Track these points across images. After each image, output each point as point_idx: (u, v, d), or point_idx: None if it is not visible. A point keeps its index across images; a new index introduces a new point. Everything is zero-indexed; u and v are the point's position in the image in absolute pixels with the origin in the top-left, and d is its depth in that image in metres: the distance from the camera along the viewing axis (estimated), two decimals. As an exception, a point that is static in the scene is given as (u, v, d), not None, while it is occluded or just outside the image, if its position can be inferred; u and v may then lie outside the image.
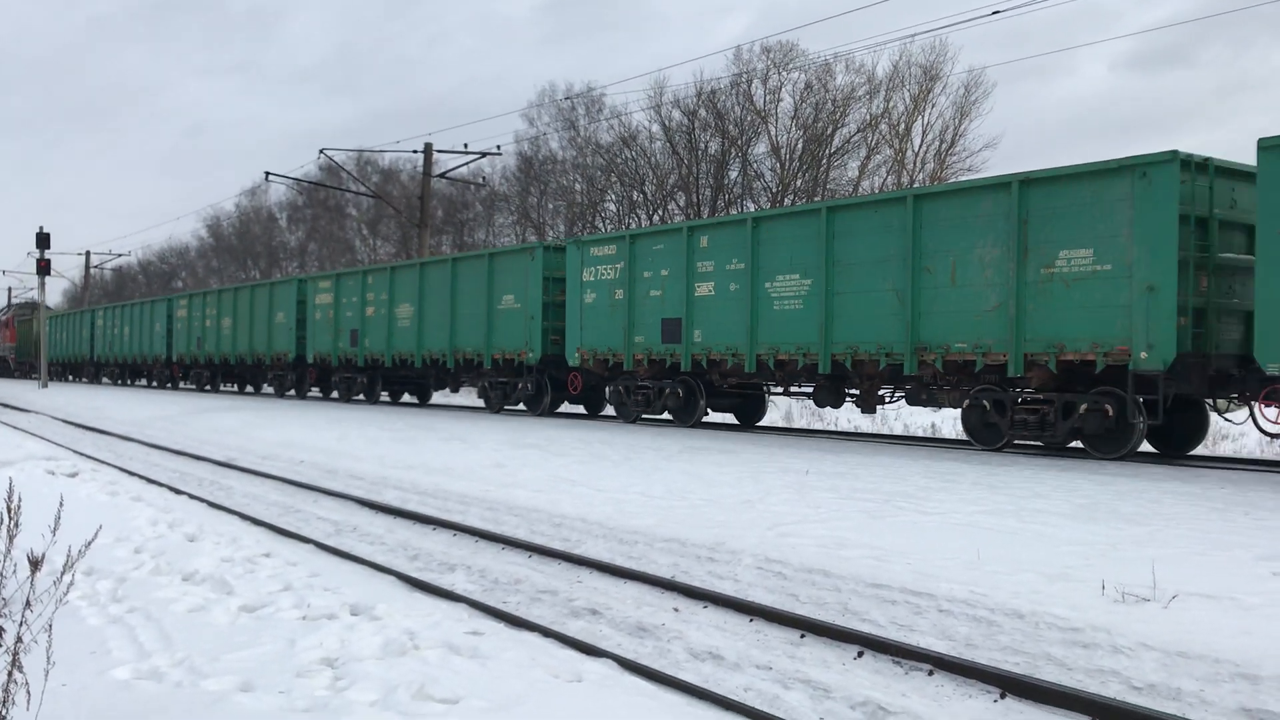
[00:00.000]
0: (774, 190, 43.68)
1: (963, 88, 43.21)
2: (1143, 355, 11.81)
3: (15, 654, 3.93)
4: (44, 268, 43.97)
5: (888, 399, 15.89)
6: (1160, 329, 11.69)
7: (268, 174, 38.50)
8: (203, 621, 6.17)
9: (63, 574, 4.33)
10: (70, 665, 5.05)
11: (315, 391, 32.79)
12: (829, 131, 43.55)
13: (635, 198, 47.12)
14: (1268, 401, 11.39)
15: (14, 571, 4.48)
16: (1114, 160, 12.19)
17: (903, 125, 44.00)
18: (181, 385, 41.00)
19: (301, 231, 71.15)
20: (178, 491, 13.30)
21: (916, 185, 15.52)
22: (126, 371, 46.24)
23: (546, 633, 6.53)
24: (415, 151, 36.02)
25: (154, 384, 43.27)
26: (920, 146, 44.39)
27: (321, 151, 34.69)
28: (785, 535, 8.56)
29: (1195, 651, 5.34)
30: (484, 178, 48.17)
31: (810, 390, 16.91)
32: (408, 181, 55.82)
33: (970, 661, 5.63)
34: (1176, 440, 13.73)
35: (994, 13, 20.25)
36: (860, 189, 42.71)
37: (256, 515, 11.42)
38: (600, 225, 46.92)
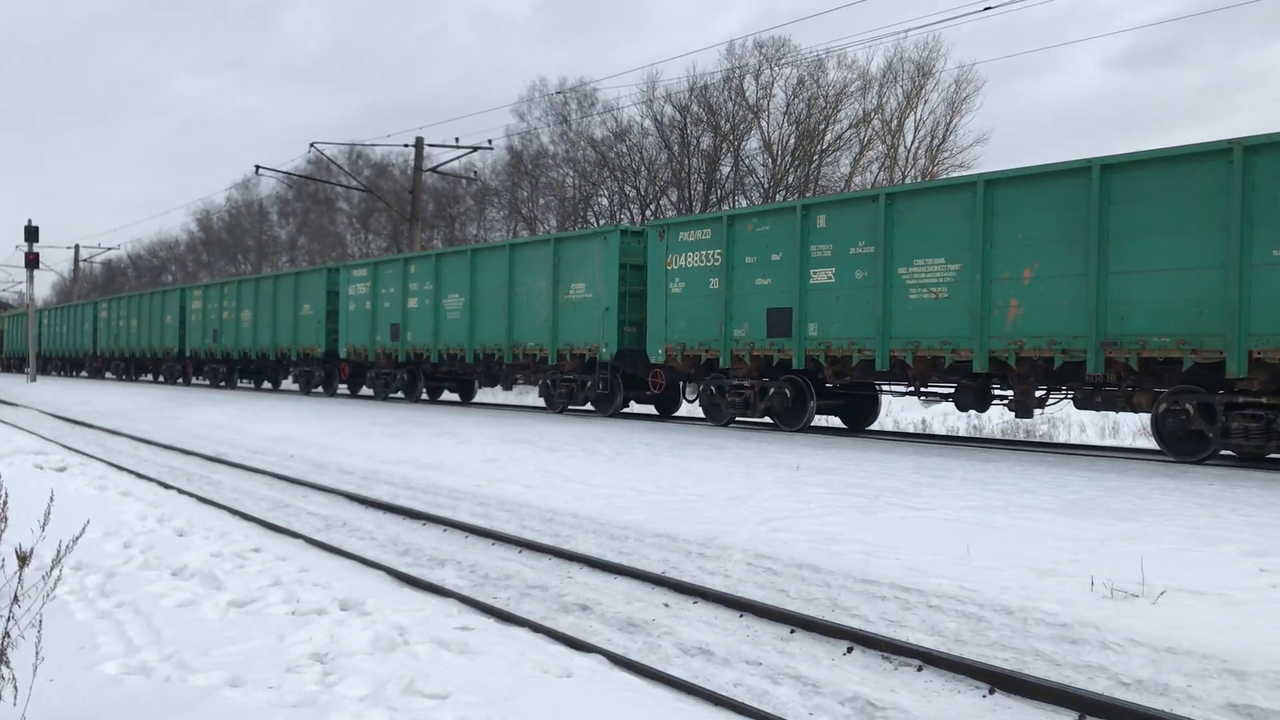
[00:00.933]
0: (765, 186, 43.71)
1: (954, 84, 43.34)
2: None
3: (3, 649, 3.92)
4: (33, 261, 43.80)
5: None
6: None
7: (258, 168, 38.38)
8: (192, 616, 6.16)
9: (51, 569, 4.32)
10: (58, 660, 5.04)
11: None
12: (821, 127, 43.59)
13: (628, 193, 47.10)
14: None
15: (1, 566, 4.47)
16: None
17: (895, 121, 44.07)
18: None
19: (292, 225, 70.99)
20: (167, 486, 13.26)
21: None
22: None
23: (536, 628, 6.53)
24: (406, 146, 35.95)
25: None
26: (912, 142, 44.49)
27: (312, 145, 34.55)
28: (776, 530, 8.57)
29: (1183, 647, 5.36)
30: (475, 172, 48.12)
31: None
32: (399, 176, 55.73)
33: (959, 657, 5.64)
34: None
35: (986, 8, 20.25)
36: (851, 185, 42.75)
37: (246, 510, 11.39)
38: (592, 220, 46.89)
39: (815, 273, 15.55)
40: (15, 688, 3.98)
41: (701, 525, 8.95)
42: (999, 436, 18.69)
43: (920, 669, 5.65)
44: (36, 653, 4.18)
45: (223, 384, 36.00)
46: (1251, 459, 12.31)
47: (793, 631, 6.40)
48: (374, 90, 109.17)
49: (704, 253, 17.43)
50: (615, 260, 19.11)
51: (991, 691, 5.30)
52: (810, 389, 16.21)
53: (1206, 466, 11.77)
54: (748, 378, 17.03)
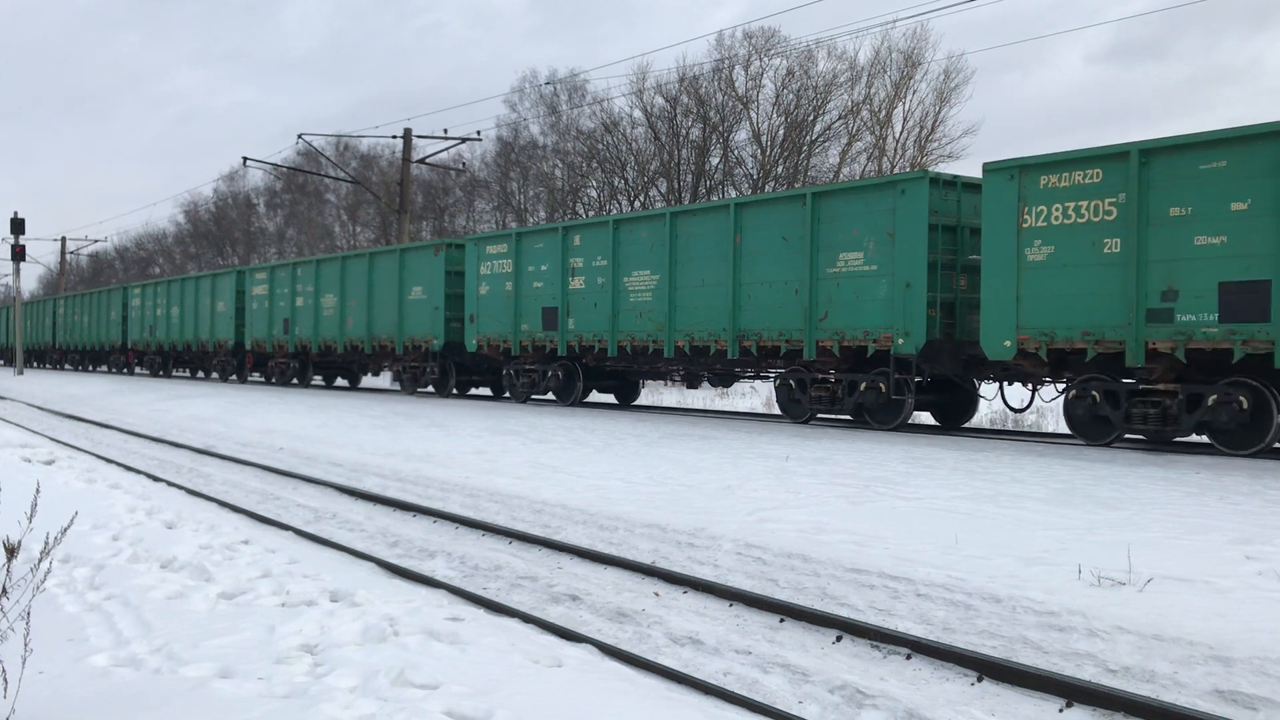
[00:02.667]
0: (755, 177, 43.69)
1: (943, 74, 43.35)
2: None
3: (-9, 642, 3.91)
4: (19, 253, 43.54)
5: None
6: None
7: (245, 159, 38.20)
8: (181, 608, 6.15)
9: (40, 561, 4.30)
10: (48, 653, 5.03)
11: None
12: (810, 118, 43.57)
13: (617, 184, 47.05)
14: None
15: (-11, 559, 4.46)
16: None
17: (884, 112, 44.07)
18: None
19: (280, 217, 70.72)
20: (156, 479, 13.23)
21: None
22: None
23: (527, 618, 6.54)
24: (395, 137, 35.82)
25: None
26: (901, 133, 44.51)
27: (300, 136, 34.40)
28: (765, 520, 8.59)
29: (1170, 634, 5.39)
30: (464, 163, 47.98)
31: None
32: (387, 167, 55.55)
33: (948, 645, 5.67)
34: None
35: (973, -1, 20.24)
36: (841, 175, 42.75)
37: (235, 502, 11.38)
38: (581, 211, 46.83)
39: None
40: (4, 680, 3.97)
41: (691, 515, 8.97)
42: (988, 426, 18.75)
43: (909, 657, 5.68)
44: (25, 645, 4.17)
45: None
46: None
47: (782, 620, 6.42)
48: (368, 84, 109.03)
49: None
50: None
51: (980, 679, 5.32)
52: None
53: (1193, 455, 11.83)
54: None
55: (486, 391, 27.12)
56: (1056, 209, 12.69)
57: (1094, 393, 12.53)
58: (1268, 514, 8.02)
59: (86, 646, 5.33)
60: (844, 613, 6.40)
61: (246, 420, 19.89)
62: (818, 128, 43.91)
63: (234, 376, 34.30)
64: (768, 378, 18.61)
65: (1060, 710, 4.94)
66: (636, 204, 45.14)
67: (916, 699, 5.12)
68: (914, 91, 44.00)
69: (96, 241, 72.45)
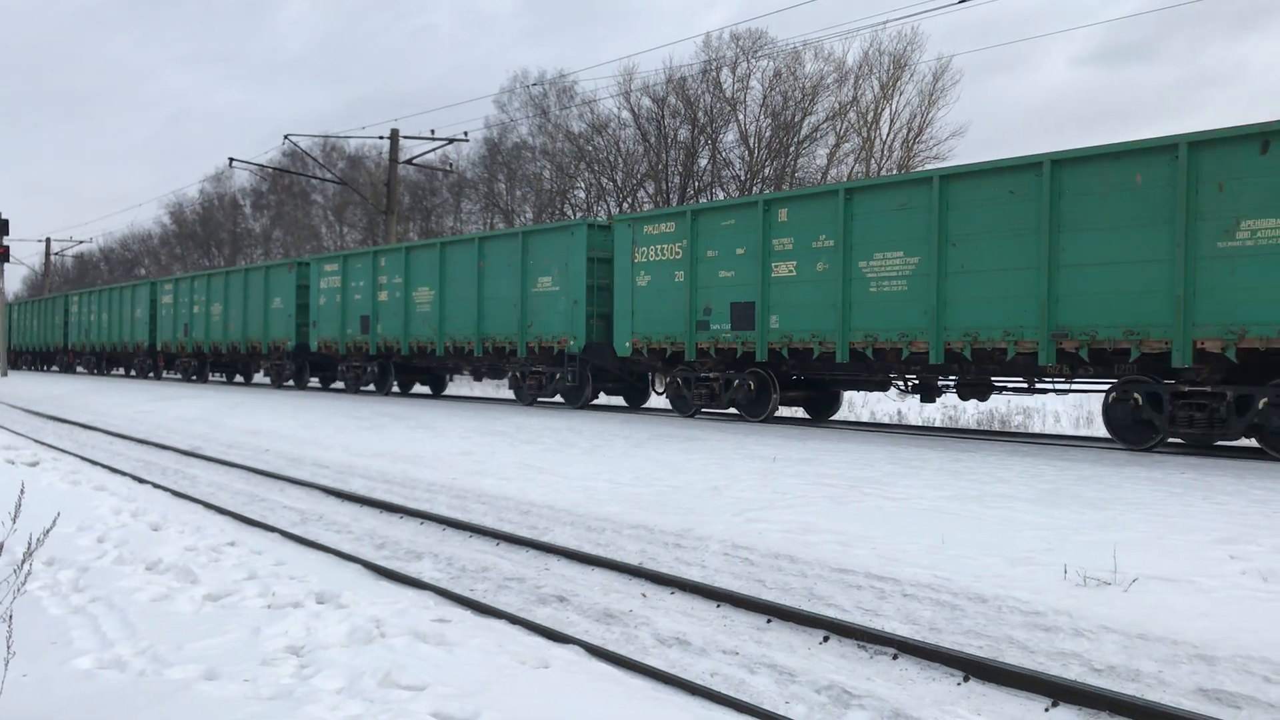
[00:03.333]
0: (742, 179, 43.73)
1: (931, 75, 43.48)
2: None
3: (-26, 644, 3.89)
4: (3, 254, 43.30)
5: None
6: None
7: (231, 160, 38.08)
8: (166, 611, 6.12)
9: (22, 563, 4.28)
10: (31, 655, 5.00)
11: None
12: (798, 119, 43.63)
13: (605, 185, 47.04)
14: None
15: (-28, 561, 4.43)
16: None
17: (871, 114, 44.18)
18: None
19: (266, 218, 70.51)
20: (141, 480, 13.17)
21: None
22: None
23: (514, 620, 6.54)
24: (382, 138, 35.77)
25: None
26: (888, 135, 44.62)
27: (286, 137, 34.30)
28: (752, 521, 8.60)
29: (1155, 634, 5.42)
30: (451, 164, 47.92)
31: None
32: (374, 168, 55.43)
33: (934, 645, 5.68)
34: None
35: (960, 0, 20.31)
36: (829, 177, 42.83)
37: (221, 504, 11.34)
38: (569, 212, 46.80)
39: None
40: (-13, 683, 3.95)
41: (679, 516, 8.97)
42: (974, 427, 18.80)
43: (895, 657, 5.69)
44: (8, 647, 4.15)
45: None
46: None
47: (769, 621, 6.42)
48: (360, 86, 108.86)
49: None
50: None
51: (966, 679, 5.34)
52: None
53: (1179, 456, 11.89)
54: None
55: (335, 384, 30.93)
56: (653, 249, 17.87)
57: (678, 379, 17.86)
58: (1251, 514, 8.06)
59: (71, 649, 5.30)
60: (831, 613, 6.41)
61: (234, 422, 19.82)
62: (805, 129, 44.00)
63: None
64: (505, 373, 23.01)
65: (1046, 710, 4.96)
66: (625, 205, 45.14)
67: (903, 699, 5.13)
68: (901, 93, 44.16)
69: (82, 243, 72.15)
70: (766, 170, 43.68)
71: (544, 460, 12.59)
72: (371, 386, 26.86)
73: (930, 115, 43.96)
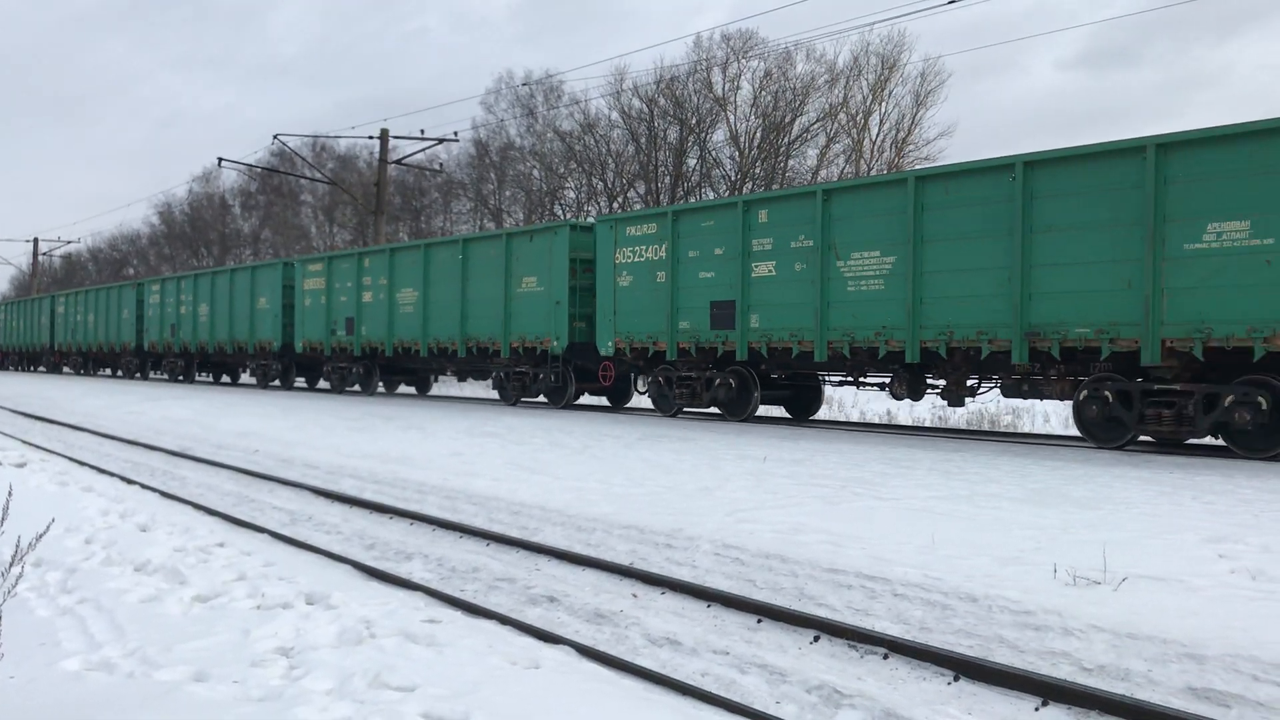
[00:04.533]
0: (732, 179, 43.76)
1: (919, 76, 43.58)
2: None
3: (-39, 646, 3.86)
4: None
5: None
6: None
7: (220, 160, 37.98)
8: (155, 612, 6.10)
9: (11, 565, 4.26)
10: (19, 657, 4.97)
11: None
12: (788, 120, 43.68)
13: (595, 185, 47.02)
14: None
15: (-41, 562, 4.40)
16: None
17: (861, 115, 44.25)
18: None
19: (255, 218, 70.31)
20: (129, 481, 13.12)
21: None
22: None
23: (504, 620, 6.52)
24: (371, 138, 35.71)
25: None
26: (878, 135, 44.70)
27: (275, 137, 34.22)
28: (743, 521, 8.60)
29: (1144, 633, 5.43)
30: (441, 164, 47.85)
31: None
32: (364, 169, 55.33)
33: (925, 645, 5.69)
34: None
35: (950, 1, 20.36)
36: (819, 177, 42.89)
37: (210, 505, 11.30)
38: (559, 212, 46.78)
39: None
40: (-26, 685, 3.93)
41: (669, 517, 8.97)
42: (964, 427, 18.84)
43: (886, 657, 5.70)
44: (-4, 649, 4.13)
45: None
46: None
47: (760, 621, 6.42)
48: (352, 88, 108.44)
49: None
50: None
51: (956, 678, 5.35)
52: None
53: (1167, 455, 11.93)
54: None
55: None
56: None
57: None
58: (1239, 513, 8.10)
59: (59, 651, 5.28)
60: (821, 613, 6.41)
61: (223, 423, 19.76)
62: (795, 130, 44.05)
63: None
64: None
65: (1036, 709, 4.97)
66: (615, 205, 45.11)
67: (894, 698, 5.14)
68: (890, 94, 44.24)
69: (70, 243, 71.86)
70: (757, 170, 43.72)
71: (535, 461, 12.58)
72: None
73: (919, 116, 44.11)
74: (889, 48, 43.21)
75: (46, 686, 4.70)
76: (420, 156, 39.12)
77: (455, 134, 35.50)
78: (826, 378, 17.28)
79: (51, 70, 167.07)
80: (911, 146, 44.20)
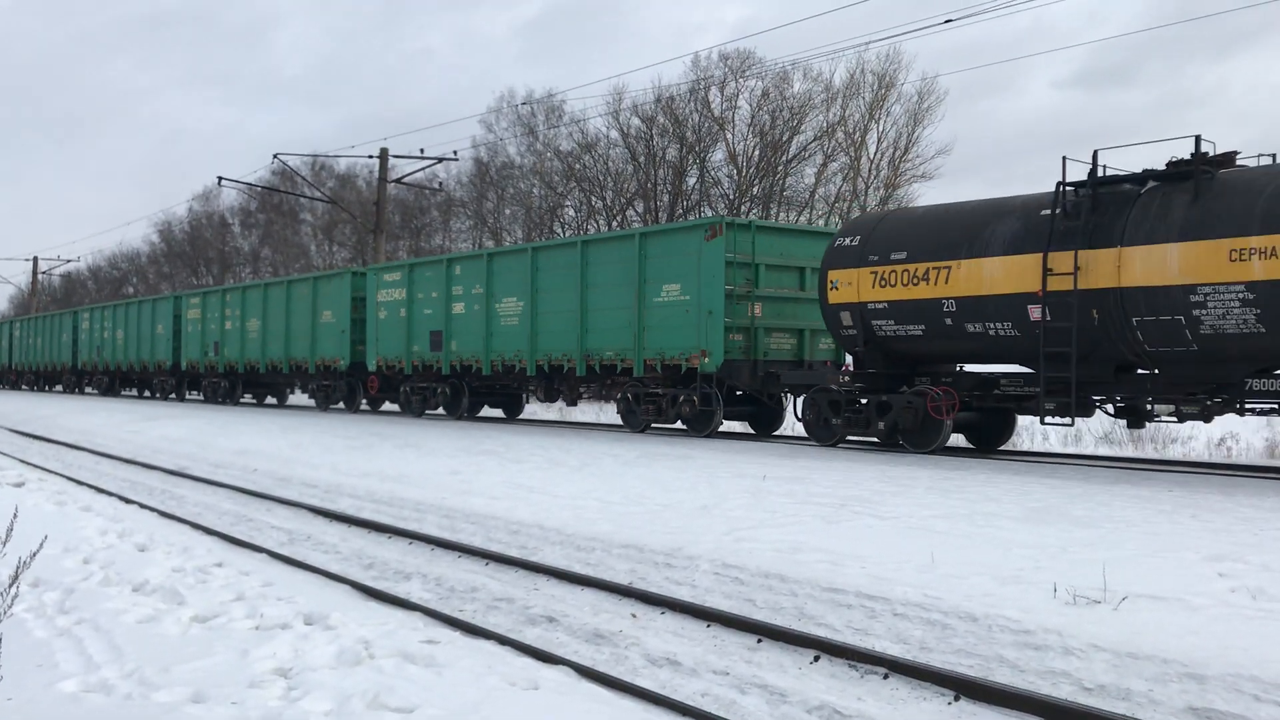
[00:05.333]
0: (731, 197, 43.86)
1: (917, 95, 43.72)
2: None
3: (-42, 668, 3.85)
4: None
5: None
6: None
7: (220, 178, 38.05)
8: (153, 632, 6.08)
9: (9, 586, 4.25)
10: (16, 678, 4.96)
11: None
12: (786, 139, 43.80)
13: (594, 204, 47.11)
14: None
15: (-43, 583, 4.40)
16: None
17: (858, 133, 44.37)
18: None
19: (255, 237, 70.38)
20: (128, 501, 13.10)
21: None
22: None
23: (503, 640, 6.50)
24: (371, 157, 35.81)
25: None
26: (875, 153, 44.82)
27: (275, 156, 34.33)
28: (742, 540, 8.58)
29: (1144, 652, 5.42)
30: (440, 183, 47.95)
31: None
32: (364, 187, 55.46)
33: (925, 665, 5.68)
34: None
35: (946, 20, 20.47)
36: (817, 196, 43.06)
37: (209, 524, 11.28)
38: (559, 230, 46.86)
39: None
40: (-28, 707, 3.92)
41: (668, 535, 8.95)
42: (962, 445, 18.82)
43: (886, 677, 5.68)
44: (-7, 671, 4.11)
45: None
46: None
47: (760, 641, 6.41)
48: (355, 107, 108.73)
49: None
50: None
51: (956, 698, 5.33)
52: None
53: (1168, 474, 11.92)
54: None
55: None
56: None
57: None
58: (1239, 531, 8.09)
59: (56, 672, 5.26)
60: (821, 633, 6.40)
61: (221, 441, 19.74)
62: (793, 148, 44.16)
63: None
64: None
65: (1037, 729, 4.95)
66: (615, 223, 45.18)
67: (894, 719, 5.12)
68: (888, 113, 44.38)
69: (69, 261, 71.88)
70: (755, 189, 43.83)
71: (533, 479, 12.56)
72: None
73: (916, 134, 44.23)
74: (886, 66, 43.40)
75: (45, 708, 4.68)
76: (420, 175, 39.24)
77: (455, 153, 35.68)
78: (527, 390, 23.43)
79: (54, 88, 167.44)
80: (909, 164, 44.34)
